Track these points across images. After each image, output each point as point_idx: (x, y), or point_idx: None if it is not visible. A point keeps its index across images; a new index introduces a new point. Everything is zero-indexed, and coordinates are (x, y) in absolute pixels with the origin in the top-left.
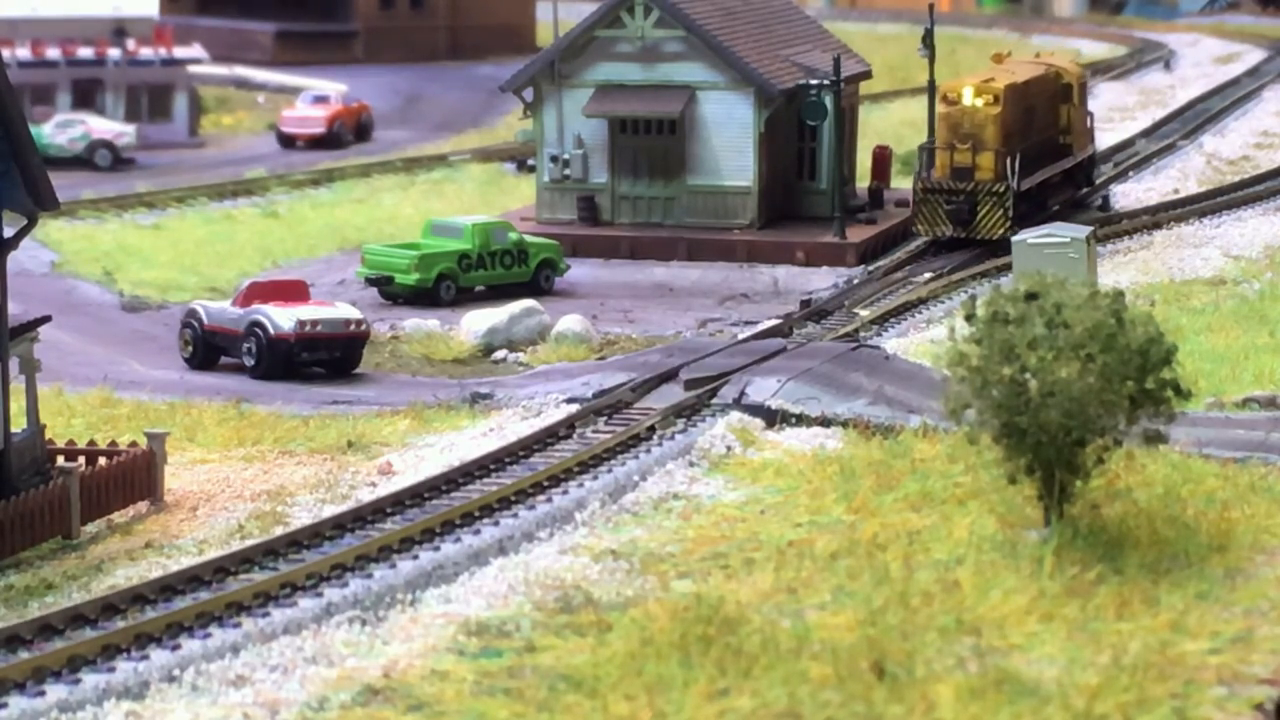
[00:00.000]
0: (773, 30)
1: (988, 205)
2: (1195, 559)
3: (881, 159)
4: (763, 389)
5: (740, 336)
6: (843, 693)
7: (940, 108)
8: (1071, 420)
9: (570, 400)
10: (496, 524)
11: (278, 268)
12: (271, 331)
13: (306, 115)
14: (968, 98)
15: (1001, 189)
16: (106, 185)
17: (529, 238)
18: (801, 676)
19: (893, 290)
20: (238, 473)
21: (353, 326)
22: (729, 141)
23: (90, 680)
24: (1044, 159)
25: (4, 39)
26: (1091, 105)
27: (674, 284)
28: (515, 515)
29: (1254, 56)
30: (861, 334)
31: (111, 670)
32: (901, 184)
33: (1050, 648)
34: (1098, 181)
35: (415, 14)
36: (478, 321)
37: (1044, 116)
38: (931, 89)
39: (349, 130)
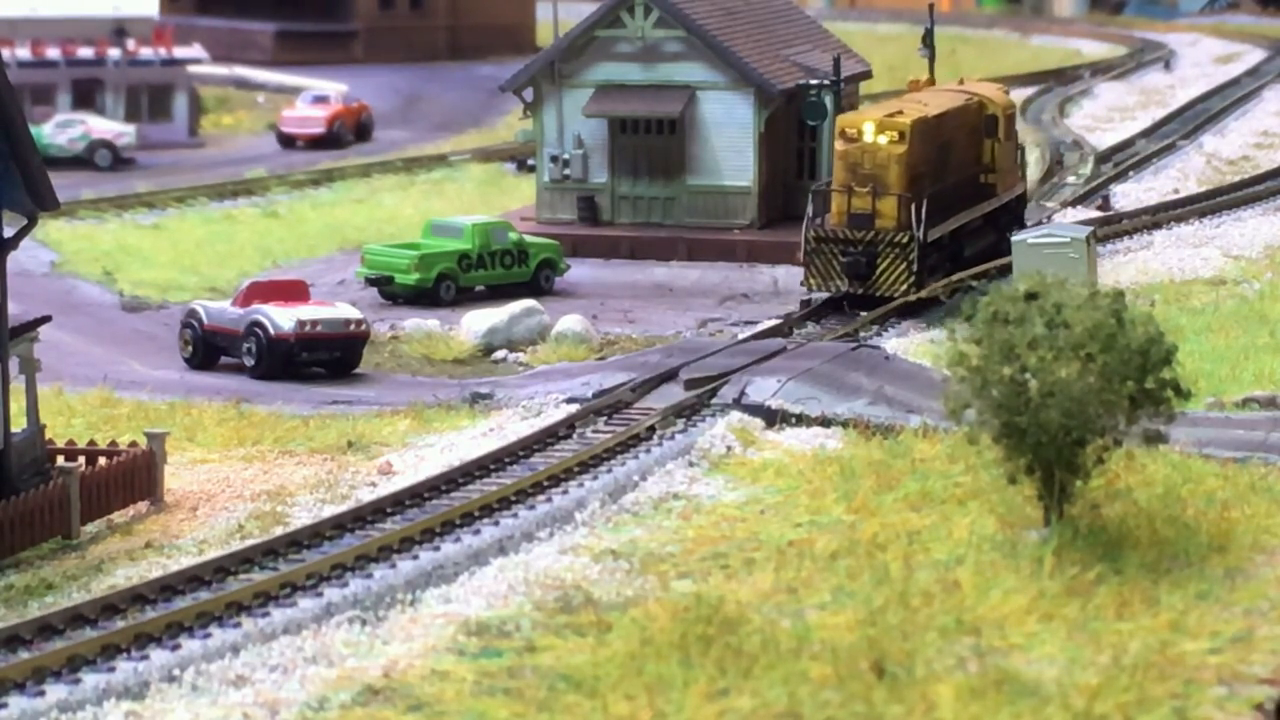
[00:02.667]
0: (773, 30)
1: (889, 258)
2: (1195, 559)
3: None
4: (763, 389)
5: (740, 336)
6: (843, 693)
7: (838, 145)
8: (1071, 420)
9: (570, 400)
10: (496, 524)
11: (278, 268)
12: (271, 331)
13: (306, 115)
14: (869, 134)
15: (905, 239)
16: (106, 185)
17: (529, 238)
18: (801, 676)
19: None
20: (238, 473)
21: (353, 326)
22: (729, 141)
23: (90, 680)
24: (960, 203)
25: (4, 39)
26: (1092, 105)
27: (674, 284)
28: (515, 515)
29: (1254, 56)
30: (861, 334)
31: (111, 670)
32: None
33: (1050, 648)
34: (1097, 182)
35: (415, 14)
36: (478, 321)
37: (962, 153)
38: None
39: (349, 130)
